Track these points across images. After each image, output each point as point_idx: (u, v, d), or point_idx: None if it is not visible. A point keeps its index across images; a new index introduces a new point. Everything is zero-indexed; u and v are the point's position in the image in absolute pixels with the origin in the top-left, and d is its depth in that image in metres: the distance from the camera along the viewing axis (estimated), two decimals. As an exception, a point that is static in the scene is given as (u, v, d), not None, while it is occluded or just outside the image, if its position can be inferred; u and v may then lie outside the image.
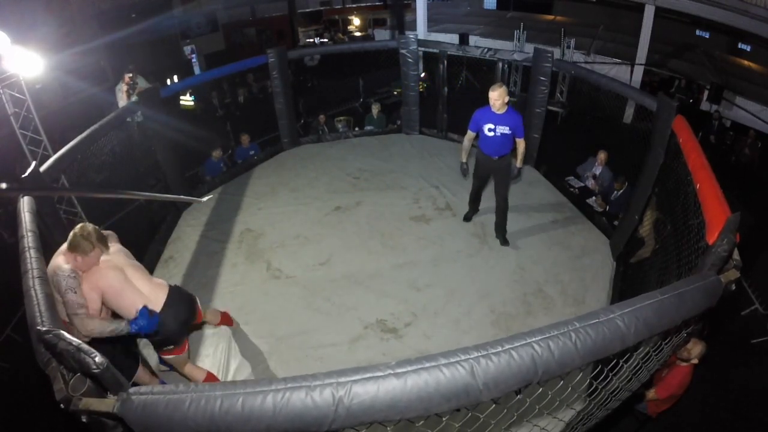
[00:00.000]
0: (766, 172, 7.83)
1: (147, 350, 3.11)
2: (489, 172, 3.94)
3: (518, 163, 3.79)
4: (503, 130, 3.58)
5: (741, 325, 4.74)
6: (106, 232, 2.40)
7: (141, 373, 2.68)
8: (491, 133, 3.62)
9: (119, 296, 2.28)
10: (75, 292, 2.07)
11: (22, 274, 1.69)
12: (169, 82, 9.65)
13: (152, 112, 4.32)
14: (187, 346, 2.61)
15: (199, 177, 5.91)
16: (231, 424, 0.96)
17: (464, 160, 3.87)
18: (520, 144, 3.67)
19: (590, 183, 5.42)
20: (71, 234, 2.15)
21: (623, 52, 10.16)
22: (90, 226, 2.22)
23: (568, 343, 1.08)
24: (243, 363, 3.04)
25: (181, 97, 8.59)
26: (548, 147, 5.39)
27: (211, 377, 2.77)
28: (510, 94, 6.92)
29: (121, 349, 2.49)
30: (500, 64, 5.29)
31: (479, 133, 3.69)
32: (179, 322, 2.45)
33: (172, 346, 2.48)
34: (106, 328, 2.10)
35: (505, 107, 3.54)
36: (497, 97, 3.47)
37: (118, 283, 2.29)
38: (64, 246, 2.19)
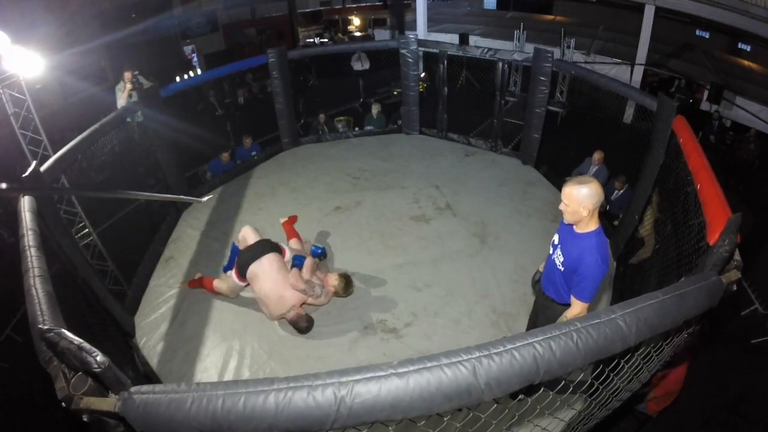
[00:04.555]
0: (767, 172, 7.84)
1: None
2: (537, 306, 2.59)
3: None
4: (560, 259, 2.16)
5: (741, 325, 4.74)
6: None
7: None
8: (551, 250, 2.31)
9: None
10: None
11: (23, 272, 1.68)
12: (178, 79, 9.56)
13: (152, 112, 4.31)
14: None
15: (201, 176, 5.93)
16: (233, 424, 0.96)
17: (541, 270, 2.53)
18: (574, 307, 2.09)
19: None
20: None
21: (623, 52, 10.17)
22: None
23: (570, 343, 1.08)
24: (243, 363, 3.04)
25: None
26: (548, 147, 5.40)
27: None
28: (510, 94, 6.92)
29: None
30: (500, 64, 5.27)
31: None
32: None
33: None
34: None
35: (588, 225, 2.04)
36: (567, 198, 2.01)
37: None
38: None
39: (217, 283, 3.49)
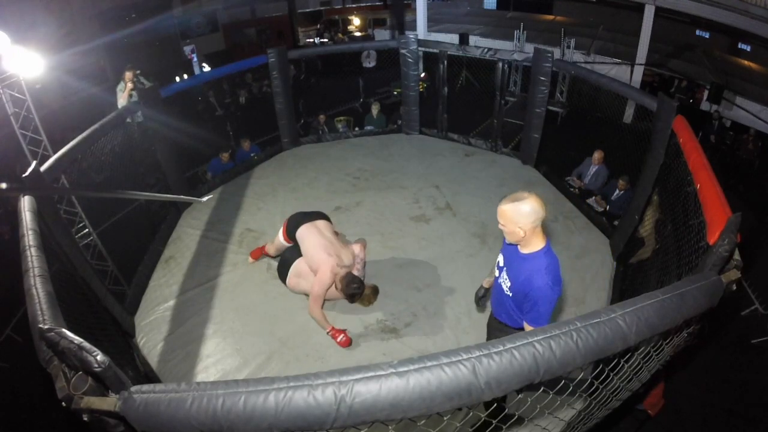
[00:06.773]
0: (767, 171, 7.85)
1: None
2: (490, 329, 2.42)
3: None
4: (506, 283, 1.98)
5: (741, 325, 4.75)
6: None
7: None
8: (497, 273, 2.11)
9: None
10: None
11: (23, 272, 1.68)
12: (178, 79, 9.57)
13: (152, 112, 4.31)
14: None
15: (201, 176, 5.93)
16: (233, 423, 0.96)
17: (486, 285, 2.41)
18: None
19: (575, 182, 5.46)
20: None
21: (623, 52, 10.18)
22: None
23: (570, 343, 1.08)
24: (244, 363, 3.04)
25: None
26: (548, 147, 5.40)
27: None
28: (510, 94, 6.91)
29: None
30: (500, 64, 5.28)
31: None
32: None
33: None
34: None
35: (532, 244, 1.85)
36: (501, 217, 1.83)
37: None
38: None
39: (268, 245, 3.83)
